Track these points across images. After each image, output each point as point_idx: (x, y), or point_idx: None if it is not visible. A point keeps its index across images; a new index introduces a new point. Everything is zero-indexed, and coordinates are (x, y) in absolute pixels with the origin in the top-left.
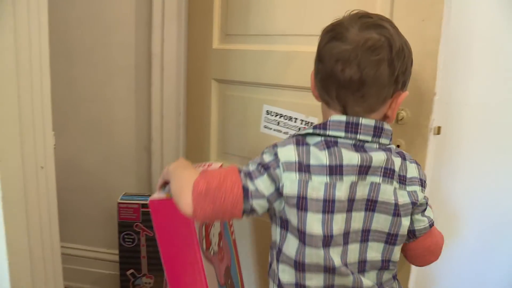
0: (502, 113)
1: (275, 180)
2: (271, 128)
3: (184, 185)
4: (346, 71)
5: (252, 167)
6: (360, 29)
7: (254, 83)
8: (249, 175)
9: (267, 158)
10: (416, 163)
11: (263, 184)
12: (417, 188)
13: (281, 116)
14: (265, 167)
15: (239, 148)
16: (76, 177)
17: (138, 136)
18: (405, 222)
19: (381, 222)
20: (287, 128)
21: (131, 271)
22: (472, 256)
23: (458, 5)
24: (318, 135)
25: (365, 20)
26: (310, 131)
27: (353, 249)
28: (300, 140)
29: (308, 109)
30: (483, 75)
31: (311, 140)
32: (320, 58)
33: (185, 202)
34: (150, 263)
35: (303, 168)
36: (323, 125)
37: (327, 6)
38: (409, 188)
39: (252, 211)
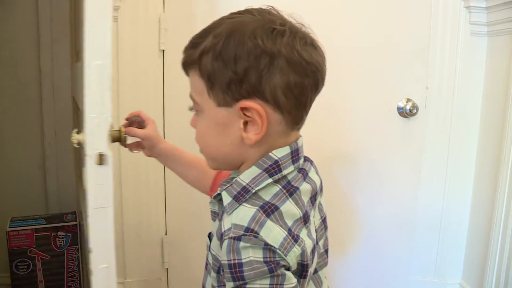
0: None
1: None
2: None
3: None
4: (323, 78)
5: (269, 281)
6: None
7: None
8: None
9: (263, 254)
10: None
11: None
12: None
13: None
14: (276, 263)
15: None
16: None
17: (31, 154)
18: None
19: (326, 242)
20: None
21: None
22: None
23: None
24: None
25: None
26: (269, 180)
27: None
28: (266, 208)
29: None
30: None
31: (266, 193)
32: (302, 67)
33: None
34: (47, 286)
35: (293, 235)
36: (277, 168)
37: None
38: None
39: None
